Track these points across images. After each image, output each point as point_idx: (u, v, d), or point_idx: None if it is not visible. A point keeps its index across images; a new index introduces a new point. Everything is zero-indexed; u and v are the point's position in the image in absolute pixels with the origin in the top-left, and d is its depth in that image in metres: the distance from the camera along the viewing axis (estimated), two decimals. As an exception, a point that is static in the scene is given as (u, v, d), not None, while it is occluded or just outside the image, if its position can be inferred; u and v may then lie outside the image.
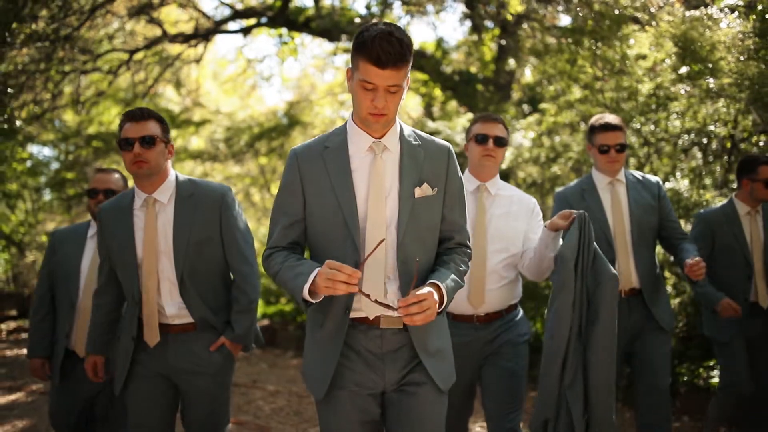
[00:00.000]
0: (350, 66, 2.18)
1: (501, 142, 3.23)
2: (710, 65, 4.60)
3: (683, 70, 4.84)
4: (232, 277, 3.09)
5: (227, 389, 3.05)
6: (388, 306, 2.09)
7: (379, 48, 2.04)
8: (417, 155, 2.26)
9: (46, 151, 14.01)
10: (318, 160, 2.22)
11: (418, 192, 2.22)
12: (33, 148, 13.18)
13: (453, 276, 2.26)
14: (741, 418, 4.27)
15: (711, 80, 4.62)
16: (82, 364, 3.41)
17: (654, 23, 5.31)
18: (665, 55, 5.21)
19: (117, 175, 3.66)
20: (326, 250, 2.22)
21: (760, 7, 5.34)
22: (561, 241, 3.06)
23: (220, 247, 3.02)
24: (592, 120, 3.80)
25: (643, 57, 5.48)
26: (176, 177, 3.02)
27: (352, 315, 2.23)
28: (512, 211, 3.22)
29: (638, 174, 3.80)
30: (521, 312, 3.32)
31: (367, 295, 2.08)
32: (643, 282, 3.62)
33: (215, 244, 3.00)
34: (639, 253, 3.63)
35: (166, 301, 2.91)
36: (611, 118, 3.72)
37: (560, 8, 6.43)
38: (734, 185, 5.46)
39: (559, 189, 3.86)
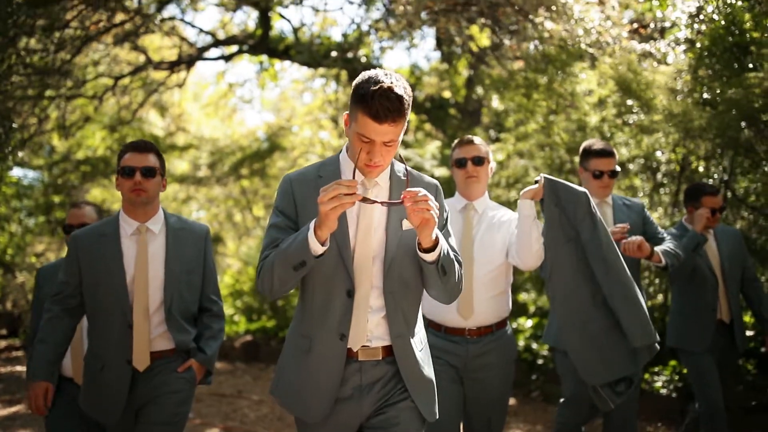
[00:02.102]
0: (348, 112, 2.21)
1: (480, 162, 3.35)
2: (645, 103, 5.22)
3: (624, 105, 5.47)
4: (200, 308, 3.20)
5: (185, 417, 3.08)
6: (393, 202, 2.12)
7: (378, 104, 2.06)
8: (405, 188, 2.26)
9: (31, 175, 14.38)
10: (312, 188, 2.25)
11: (406, 224, 2.25)
12: (18, 172, 13.57)
13: (448, 246, 2.28)
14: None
15: (644, 117, 5.23)
16: (71, 388, 3.43)
17: (597, 62, 5.93)
18: (609, 92, 5.83)
19: (89, 208, 3.76)
20: (318, 276, 2.23)
21: (698, 45, 5.97)
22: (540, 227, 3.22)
23: (200, 279, 3.16)
24: (586, 145, 3.90)
25: (590, 93, 6.09)
26: (164, 212, 3.18)
27: None
28: (494, 224, 3.34)
29: (623, 198, 3.95)
30: (510, 329, 3.41)
31: (373, 201, 2.10)
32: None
33: (198, 275, 3.15)
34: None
35: (152, 326, 2.99)
36: (605, 145, 3.83)
37: (523, 40, 7.00)
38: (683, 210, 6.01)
39: None
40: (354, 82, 2.16)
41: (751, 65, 5.24)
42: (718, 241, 4.35)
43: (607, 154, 3.77)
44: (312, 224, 2.09)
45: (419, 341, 2.35)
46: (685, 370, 5.68)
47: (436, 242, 2.15)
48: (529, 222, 3.15)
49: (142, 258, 3.00)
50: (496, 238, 3.31)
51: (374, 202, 2.10)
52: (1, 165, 11.21)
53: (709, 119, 4.74)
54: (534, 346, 6.88)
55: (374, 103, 2.06)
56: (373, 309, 2.25)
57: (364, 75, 2.14)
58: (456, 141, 3.47)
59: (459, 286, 2.32)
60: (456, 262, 2.28)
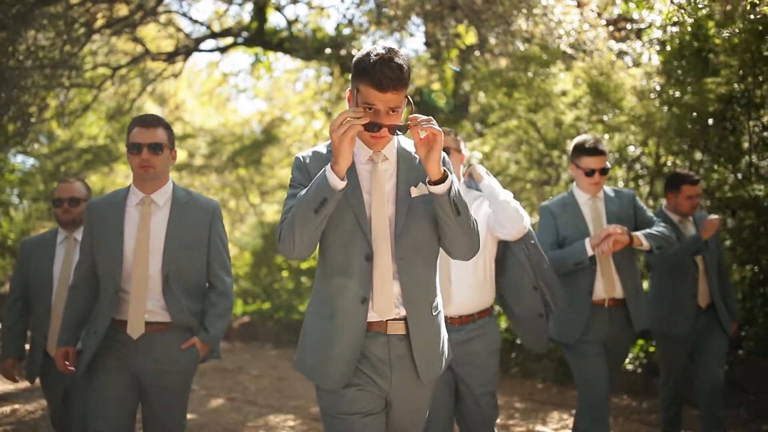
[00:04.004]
0: (351, 88, 2.25)
1: (446, 153, 3.42)
2: (614, 104, 5.73)
3: (595, 106, 5.99)
4: (208, 284, 3.22)
5: (188, 389, 3.14)
6: (399, 126, 2.17)
7: (381, 73, 2.10)
8: (413, 161, 2.35)
9: (30, 162, 14.78)
10: (324, 163, 2.26)
11: (414, 191, 2.30)
12: (17, 159, 13.97)
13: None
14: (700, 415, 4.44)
15: (612, 117, 5.75)
16: (53, 364, 3.47)
17: (573, 64, 6.44)
18: (582, 93, 6.34)
19: (79, 184, 3.80)
20: (336, 242, 2.27)
21: (669, 48, 6.45)
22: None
23: (205, 254, 3.16)
24: (578, 141, 3.91)
25: (565, 93, 6.60)
26: (173, 184, 3.18)
27: None
28: (473, 207, 3.29)
29: (613, 189, 4.00)
30: (494, 319, 3.39)
31: (379, 124, 2.14)
32: (627, 291, 3.78)
33: (202, 249, 3.14)
34: (620, 263, 3.79)
35: (148, 296, 3.01)
36: (597, 143, 3.85)
37: (505, 42, 7.46)
38: (659, 200, 6.49)
39: (544, 203, 4.08)
40: (354, 59, 2.20)
41: (712, 70, 5.74)
42: (698, 228, 4.39)
43: (598, 152, 3.81)
44: (328, 165, 2.14)
45: (433, 307, 2.37)
46: (651, 349, 6.19)
47: (446, 175, 2.19)
48: (492, 193, 3.22)
49: (144, 228, 3.03)
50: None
51: (381, 126, 2.14)
52: (3, 153, 11.64)
53: (669, 120, 5.25)
54: (515, 326, 7.41)
55: (376, 72, 2.11)
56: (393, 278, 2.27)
57: (362, 50, 2.19)
58: None
59: (477, 238, 2.34)
60: (470, 213, 2.30)
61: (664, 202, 4.62)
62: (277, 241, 2.26)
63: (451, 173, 2.22)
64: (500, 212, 3.20)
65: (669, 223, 4.29)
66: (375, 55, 2.12)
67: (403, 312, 2.30)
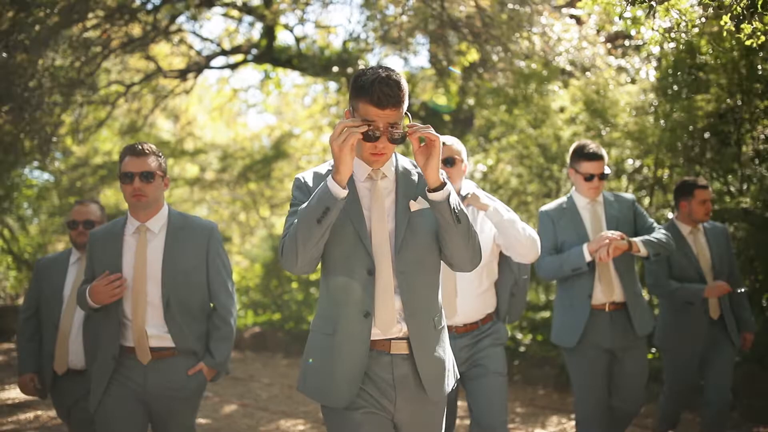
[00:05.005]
0: (349, 108, 2.28)
1: (451, 162, 3.32)
2: (608, 121, 5.99)
3: (591, 122, 6.25)
4: (211, 306, 3.28)
5: (196, 412, 3.24)
6: (398, 132, 2.20)
7: (379, 91, 2.14)
8: (411, 178, 2.38)
9: (45, 177, 15.14)
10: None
11: (414, 205, 2.32)
12: (33, 175, 14.35)
13: None
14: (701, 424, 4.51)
15: (607, 133, 6.00)
16: (60, 382, 3.67)
17: (569, 82, 6.70)
18: (578, 111, 6.60)
19: (94, 206, 3.87)
20: (338, 256, 2.29)
21: (664, 63, 6.68)
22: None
23: (204, 277, 3.19)
24: (577, 146, 3.91)
25: (562, 110, 6.86)
26: (168, 210, 3.22)
27: None
28: (479, 221, 3.31)
29: (613, 194, 4.01)
30: (498, 321, 3.43)
31: (378, 131, 2.17)
32: (626, 295, 3.81)
33: (201, 273, 3.18)
34: (619, 266, 3.81)
35: (149, 324, 3.05)
36: (596, 148, 3.86)
37: (507, 56, 7.70)
38: (660, 210, 6.70)
39: (543, 207, 4.08)
40: (352, 78, 2.26)
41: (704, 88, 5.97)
42: (708, 239, 4.37)
43: (597, 157, 3.82)
44: (329, 177, 2.18)
45: (436, 322, 2.37)
46: (649, 356, 6.35)
47: (444, 183, 2.23)
48: (501, 222, 3.18)
49: (141, 257, 3.07)
50: (480, 238, 3.12)
51: (379, 135, 2.17)
52: (19, 169, 11.98)
53: (661, 136, 5.49)
54: (519, 336, 7.64)
55: (375, 90, 2.14)
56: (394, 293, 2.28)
57: (360, 70, 2.25)
58: None
59: (479, 248, 2.35)
60: (470, 223, 2.31)
61: (666, 212, 4.67)
62: (279, 256, 2.28)
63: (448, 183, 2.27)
64: (514, 243, 3.17)
65: (679, 238, 4.27)
66: (373, 74, 2.17)
67: (405, 329, 2.30)
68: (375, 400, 2.29)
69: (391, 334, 2.28)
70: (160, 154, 3.18)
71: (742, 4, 2.57)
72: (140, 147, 3.11)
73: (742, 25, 2.62)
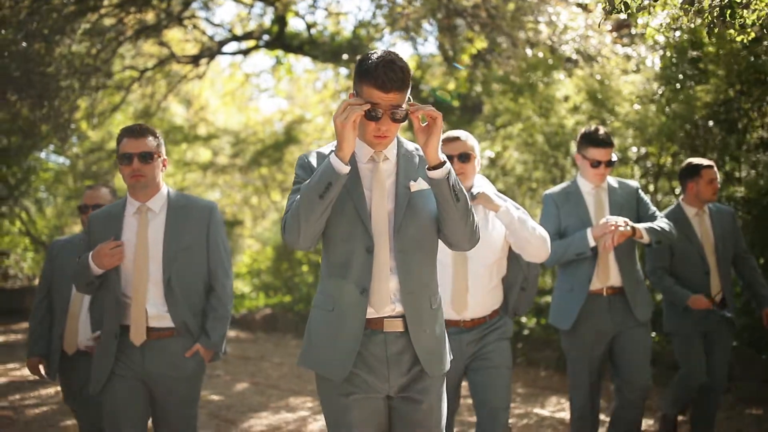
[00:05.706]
0: (353, 91, 2.29)
1: (466, 158, 3.26)
2: (610, 110, 6.13)
3: (594, 111, 6.39)
4: (209, 286, 3.26)
5: (198, 393, 3.23)
6: (401, 109, 2.22)
7: (383, 74, 2.16)
8: (413, 160, 2.40)
9: (60, 161, 15.44)
10: None
11: (414, 186, 2.34)
12: (50, 158, 14.64)
13: None
14: (691, 404, 4.55)
15: (609, 122, 6.15)
16: (69, 362, 3.71)
17: (573, 71, 6.83)
18: (582, 100, 6.74)
19: (105, 190, 3.88)
20: (338, 234, 2.32)
21: (668, 53, 6.78)
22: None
23: (204, 256, 3.20)
24: (586, 132, 3.90)
25: (566, 99, 7.00)
26: (168, 190, 3.21)
27: None
28: (490, 218, 3.28)
29: (617, 180, 4.00)
30: (505, 316, 3.41)
31: (380, 110, 2.20)
32: (625, 280, 3.81)
33: (201, 252, 3.19)
34: (618, 251, 3.80)
35: (150, 303, 3.06)
36: (604, 135, 3.83)
37: (512, 47, 7.83)
38: (666, 196, 6.81)
39: (547, 191, 4.08)
40: (357, 62, 2.27)
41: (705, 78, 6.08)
42: (713, 221, 4.37)
43: (606, 144, 3.81)
44: (332, 153, 2.21)
45: (432, 301, 2.40)
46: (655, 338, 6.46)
47: (444, 161, 2.25)
48: (512, 223, 3.16)
49: (142, 237, 3.08)
50: (492, 234, 3.26)
51: (382, 112, 2.20)
52: (36, 153, 12.25)
53: (661, 126, 5.63)
54: (523, 319, 7.84)
55: (379, 73, 2.17)
56: (391, 272, 2.31)
57: (364, 54, 2.26)
58: (443, 136, 3.19)
59: (476, 227, 2.37)
60: (469, 203, 2.33)
61: (671, 199, 4.68)
62: (282, 232, 2.30)
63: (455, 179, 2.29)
64: (525, 244, 3.17)
65: (683, 220, 4.29)
66: (377, 58, 2.19)
67: (399, 309, 2.33)
68: (366, 383, 2.33)
69: (384, 312, 2.32)
70: (158, 134, 3.18)
71: (715, 12, 2.71)
72: (138, 128, 3.11)
73: (715, 30, 2.77)
